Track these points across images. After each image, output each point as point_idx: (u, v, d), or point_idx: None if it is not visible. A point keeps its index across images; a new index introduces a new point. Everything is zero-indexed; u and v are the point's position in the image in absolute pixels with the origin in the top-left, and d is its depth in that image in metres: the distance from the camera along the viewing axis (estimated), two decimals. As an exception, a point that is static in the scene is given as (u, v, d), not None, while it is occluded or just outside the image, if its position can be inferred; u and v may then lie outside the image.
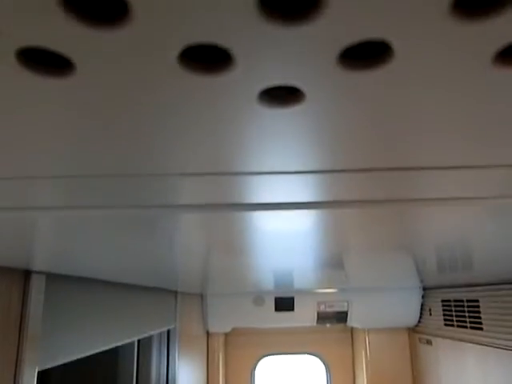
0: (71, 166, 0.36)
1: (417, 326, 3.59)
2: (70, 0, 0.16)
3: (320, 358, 4.24)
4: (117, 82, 0.22)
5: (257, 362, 4.22)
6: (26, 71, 0.20)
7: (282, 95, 0.25)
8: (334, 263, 1.52)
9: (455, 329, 2.86)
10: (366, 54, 0.21)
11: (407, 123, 0.29)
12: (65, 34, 0.18)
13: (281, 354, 4.28)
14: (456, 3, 0.17)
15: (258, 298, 3.58)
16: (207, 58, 0.21)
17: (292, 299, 3.61)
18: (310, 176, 0.38)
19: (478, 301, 2.56)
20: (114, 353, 2.47)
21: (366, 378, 3.73)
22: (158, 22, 0.17)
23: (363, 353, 3.81)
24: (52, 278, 1.21)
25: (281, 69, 0.21)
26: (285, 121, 0.27)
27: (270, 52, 0.20)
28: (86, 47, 0.19)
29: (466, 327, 2.71)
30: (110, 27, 0.17)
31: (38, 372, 1.13)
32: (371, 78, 0.22)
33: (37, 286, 1.14)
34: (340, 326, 3.89)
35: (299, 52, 0.20)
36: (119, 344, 1.72)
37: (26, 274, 1.11)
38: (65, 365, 1.30)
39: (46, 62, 0.20)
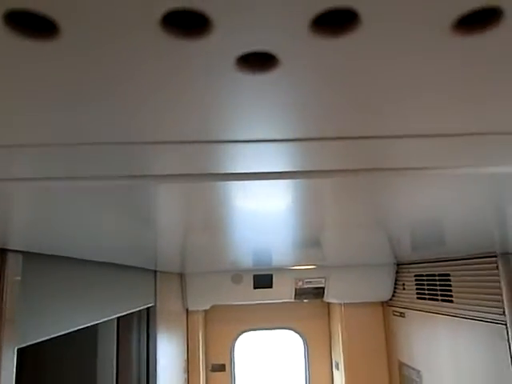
0: (46, 134, 0.36)
1: (391, 299, 3.71)
2: None
3: (298, 333, 4.34)
4: (100, 45, 0.22)
5: (236, 338, 4.29)
6: (12, 34, 0.20)
7: (258, 62, 0.26)
8: (311, 241, 1.55)
9: (427, 302, 2.97)
10: (337, 23, 0.23)
11: (377, 91, 0.30)
12: None
13: (260, 329, 4.37)
14: None
15: (237, 276, 3.62)
16: (186, 24, 0.22)
17: (270, 276, 3.67)
18: (285, 144, 0.40)
19: (448, 275, 2.66)
20: (94, 332, 2.48)
21: (342, 349, 3.85)
22: None
23: (339, 326, 3.92)
24: (29, 256, 1.20)
25: (257, 33, 0.22)
26: (260, 87, 0.28)
27: (246, 16, 0.20)
28: (70, 8, 0.19)
29: (437, 300, 2.81)
30: None
31: (18, 350, 1.14)
32: (341, 44, 0.23)
33: (13, 265, 1.13)
34: (317, 301, 3.99)
35: (274, 16, 0.21)
36: (98, 321, 1.73)
37: (2, 253, 1.10)
38: (44, 344, 1.30)
39: (31, 26, 0.20)
